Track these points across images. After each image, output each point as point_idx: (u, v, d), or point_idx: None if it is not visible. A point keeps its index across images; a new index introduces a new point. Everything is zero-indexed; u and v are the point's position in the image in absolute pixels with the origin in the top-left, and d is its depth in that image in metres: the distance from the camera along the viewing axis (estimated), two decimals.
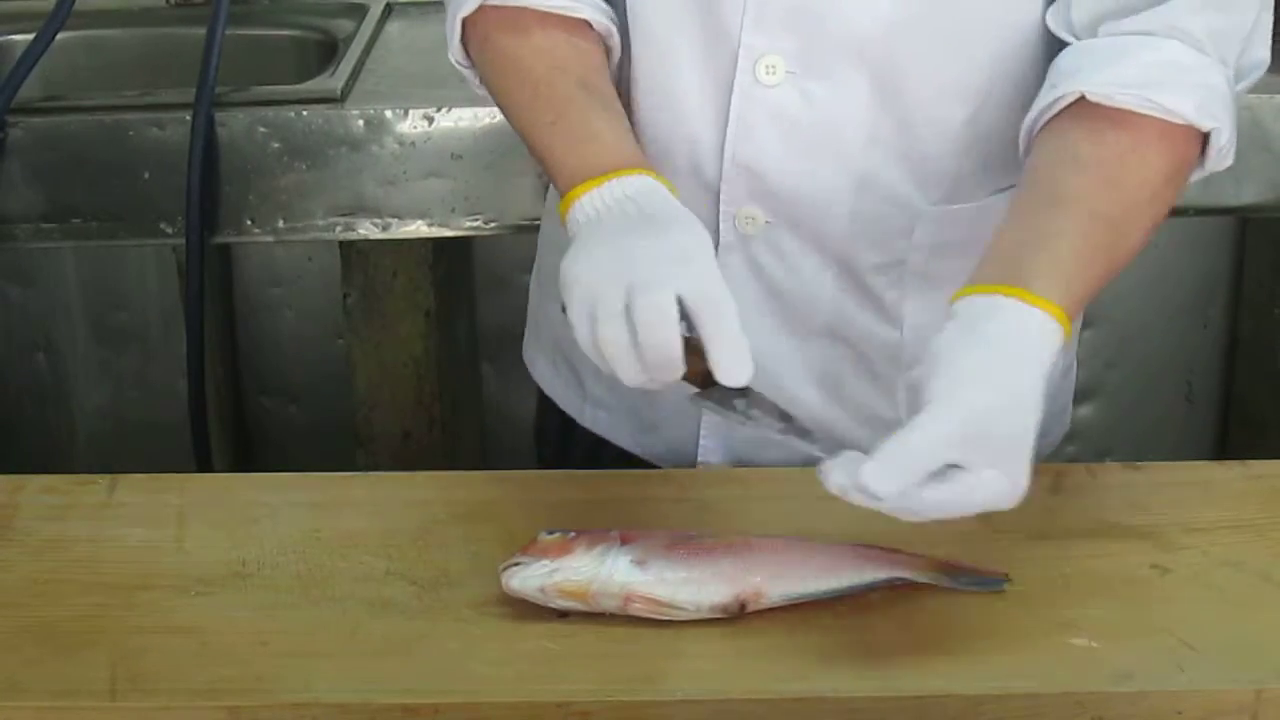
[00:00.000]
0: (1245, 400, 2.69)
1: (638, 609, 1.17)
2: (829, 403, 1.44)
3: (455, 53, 1.39)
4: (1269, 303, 2.61)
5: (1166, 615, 1.19)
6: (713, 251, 1.19)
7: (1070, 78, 1.26)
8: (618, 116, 1.30)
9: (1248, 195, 2.10)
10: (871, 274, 1.40)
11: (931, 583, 1.21)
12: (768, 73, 1.33)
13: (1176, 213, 2.11)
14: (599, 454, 1.54)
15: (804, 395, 1.44)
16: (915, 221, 1.38)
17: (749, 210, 1.38)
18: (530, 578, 1.18)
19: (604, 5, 1.36)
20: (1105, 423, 2.68)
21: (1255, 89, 2.08)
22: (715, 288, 1.15)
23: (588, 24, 1.34)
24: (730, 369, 1.14)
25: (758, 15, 1.32)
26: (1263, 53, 1.31)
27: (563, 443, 1.59)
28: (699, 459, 1.49)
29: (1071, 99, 1.25)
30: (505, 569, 1.19)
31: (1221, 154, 1.27)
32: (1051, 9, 1.31)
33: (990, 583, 1.22)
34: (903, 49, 1.31)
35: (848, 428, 1.42)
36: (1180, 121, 1.24)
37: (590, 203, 1.22)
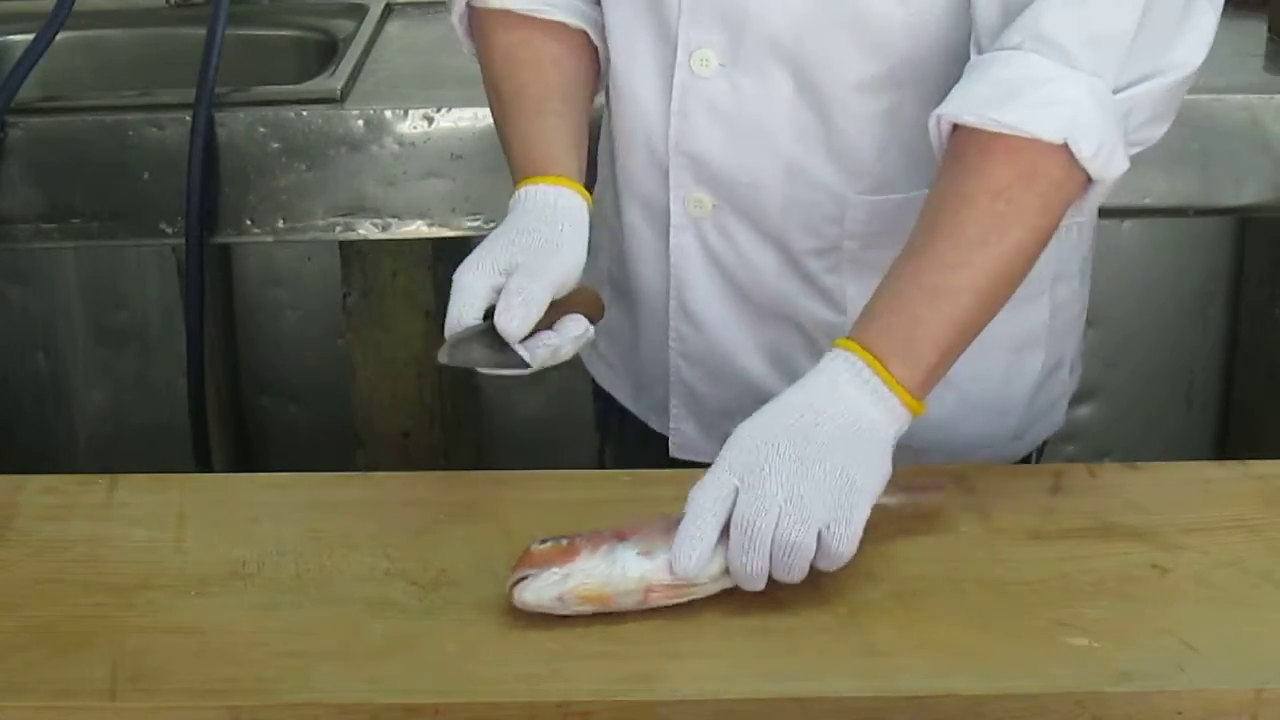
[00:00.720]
0: (1245, 400, 2.69)
1: (657, 598, 1.18)
2: (780, 378, 1.48)
3: (466, 48, 1.52)
4: (1269, 303, 2.60)
5: (1166, 615, 1.20)
6: (568, 245, 1.33)
7: (943, 103, 1.30)
8: (539, 122, 1.41)
9: (1248, 195, 2.10)
10: (810, 259, 1.47)
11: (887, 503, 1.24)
12: (702, 65, 1.42)
13: (1176, 213, 2.13)
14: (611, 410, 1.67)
15: (755, 370, 1.51)
16: (845, 210, 1.44)
17: (697, 194, 1.47)
18: (545, 588, 1.17)
19: (583, 7, 1.46)
20: (1105, 423, 2.68)
21: (1254, 89, 2.10)
22: (530, 266, 1.30)
23: (564, 25, 1.45)
24: (499, 311, 1.28)
25: (691, 10, 1.41)
26: (1185, 54, 1.30)
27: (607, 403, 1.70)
28: (670, 424, 1.57)
29: (947, 124, 1.29)
30: (514, 585, 1.18)
31: (1098, 164, 1.27)
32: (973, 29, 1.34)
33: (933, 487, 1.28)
34: (817, 44, 1.38)
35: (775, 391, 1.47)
36: (1026, 136, 1.25)
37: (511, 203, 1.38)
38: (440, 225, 2.11)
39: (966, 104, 1.28)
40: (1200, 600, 1.22)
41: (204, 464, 2.21)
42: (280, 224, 2.10)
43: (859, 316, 1.27)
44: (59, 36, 2.10)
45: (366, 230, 2.11)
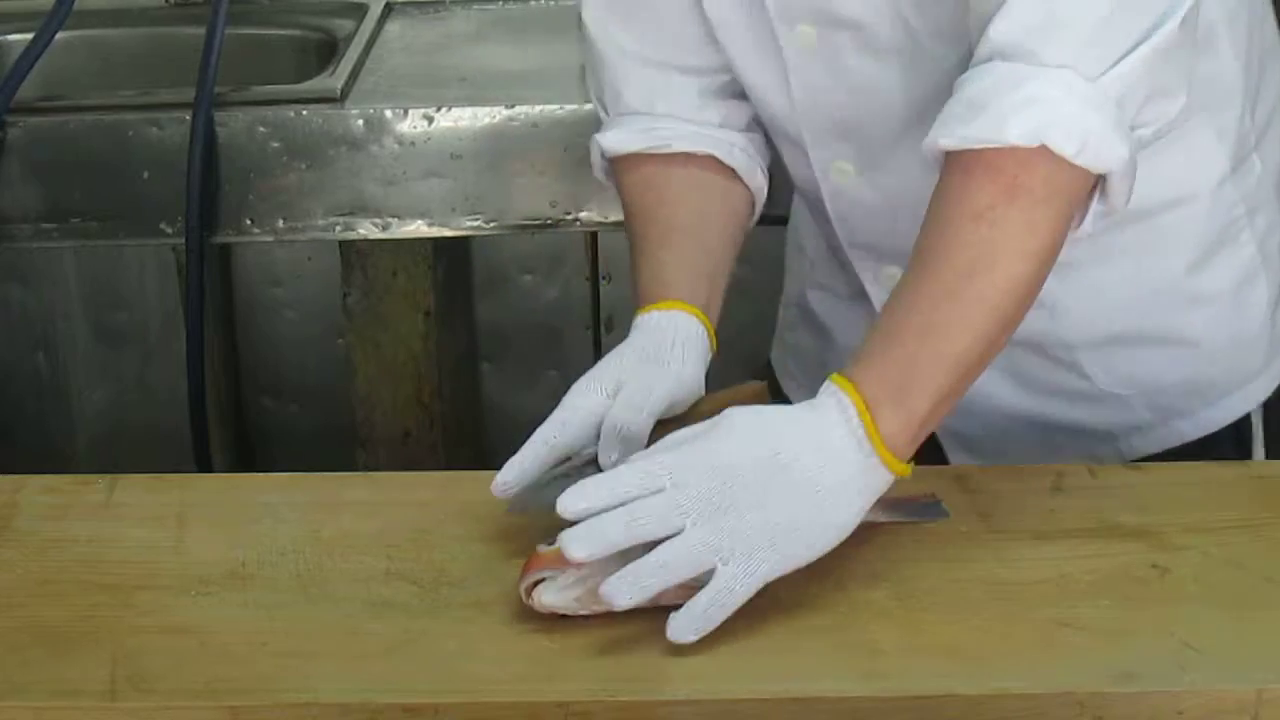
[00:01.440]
0: None
1: (668, 597, 1.17)
2: (1028, 394, 1.52)
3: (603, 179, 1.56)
4: None
5: (1166, 615, 1.20)
6: (677, 361, 1.35)
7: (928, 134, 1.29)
8: (658, 256, 1.43)
9: None
10: None
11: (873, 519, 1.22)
12: (840, 175, 1.47)
13: None
14: None
15: (1005, 396, 1.53)
16: None
17: (887, 270, 1.50)
18: (566, 588, 1.17)
19: (709, 132, 1.48)
20: None
21: None
22: (633, 388, 1.31)
23: (689, 155, 1.47)
24: (601, 448, 1.30)
25: (812, 133, 1.47)
26: (1160, 11, 1.24)
27: None
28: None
29: (938, 152, 1.27)
30: (532, 586, 1.17)
31: (1088, 157, 1.22)
32: None
33: (929, 510, 1.28)
34: (927, 124, 1.32)
35: (1029, 408, 1.54)
36: (1001, 145, 1.22)
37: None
38: (440, 225, 2.11)
39: (942, 127, 1.26)
40: (1201, 600, 1.21)
41: (204, 464, 2.21)
42: (280, 224, 2.10)
43: (856, 352, 1.24)
44: (59, 36, 2.10)
45: (366, 230, 2.11)
